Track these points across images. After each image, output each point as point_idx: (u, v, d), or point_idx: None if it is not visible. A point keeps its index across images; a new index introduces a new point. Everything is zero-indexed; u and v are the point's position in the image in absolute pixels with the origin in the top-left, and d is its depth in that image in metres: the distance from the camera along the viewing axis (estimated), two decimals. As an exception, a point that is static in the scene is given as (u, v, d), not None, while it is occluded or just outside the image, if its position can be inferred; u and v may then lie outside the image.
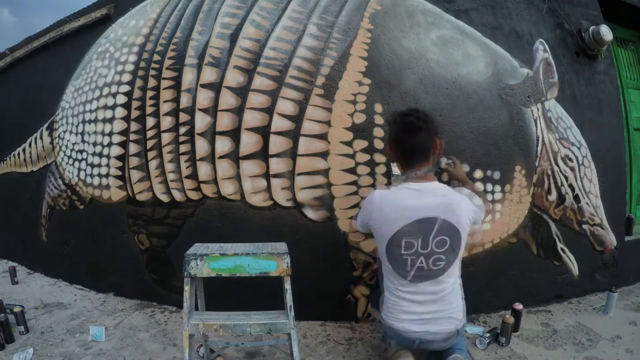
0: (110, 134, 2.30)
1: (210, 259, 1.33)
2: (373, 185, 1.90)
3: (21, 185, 3.08)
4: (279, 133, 1.93)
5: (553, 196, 2.15)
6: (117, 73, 2.30)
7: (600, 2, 2.42)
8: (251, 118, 1.95)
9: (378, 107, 1.90)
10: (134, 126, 2.22)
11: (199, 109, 2.03)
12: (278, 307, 1.43)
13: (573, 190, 2.19)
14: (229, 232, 2.02)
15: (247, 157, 1.96)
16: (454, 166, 1.82)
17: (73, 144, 2.53)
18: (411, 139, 1.33)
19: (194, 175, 2.06)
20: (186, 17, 2.16)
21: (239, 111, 1.97)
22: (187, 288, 1.33)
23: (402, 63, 1.94)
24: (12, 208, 3.21)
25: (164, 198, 2.17)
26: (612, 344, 1.80)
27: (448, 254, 1.33)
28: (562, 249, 2.21)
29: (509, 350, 1.75)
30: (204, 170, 2.03)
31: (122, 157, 2.27)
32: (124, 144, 2.26)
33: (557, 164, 2.15)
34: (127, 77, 2.26)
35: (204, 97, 2.02)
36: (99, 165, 2.37)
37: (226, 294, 1.72)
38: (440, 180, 1.67)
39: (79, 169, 2.49)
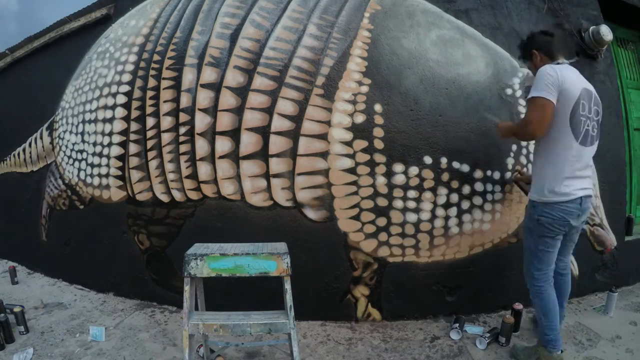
0: (110, 134, 2.30)
1: (210, 259, 1.33)
2: (373, 185, 1.90)
3: (21, 185, 3.08)
4: (279, 133, 1.93)
5: (553, 196, 2.15)
6: (117, 73, 2.30)
7: (600, 2, 2.42)
8: (251, 118, 1.95)
9: (378, 107, 1.90)
10: (134, 126, 2.22)
11: (199, 109, 2.03)
12: (278, 307, 1.43)
13: (573, 190, 2.18)
14: (229, 232, 2.02)
15: (247, 157, 1.96)
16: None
17: (73, 144, 2.53)
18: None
19: (194, 175, 2.06)
20: (186, 17, 2.16)
21: (239, 111, 1.97)
22: (187, 288, 1.33)
23: (402, 63, 1.94)
24: (12, 208, 3.21)
25: (164, 198, 2.17)
26: (612, 344, 1.80)
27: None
28: (562, 249, 2.21)
29: (509, 350, 1.75)
30: (204, 170, 2.03)
31: (122, 157, 2.27)
32: (124, 144, 2.26)
33: (557, 164, 2.14)
34: (127, 77, 2.26)
35: (204, 97, 2.02)
36: (99, 165, 2.37)
37: (226, 294, 1.72)
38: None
39: (79, 169, 2.49)
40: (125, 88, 2.25)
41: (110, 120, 2.30)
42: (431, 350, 1.78)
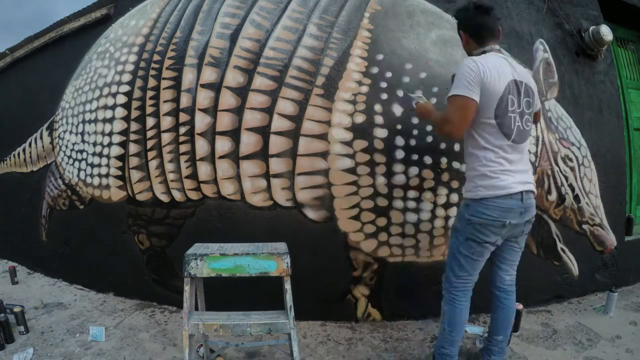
0: (110, 134, 2.30)
1: (210, 259, 1.33)
2: (373, 186, 1.90)
3: (21, 185, 3.08)
4: (279, 133, 1.93)
5: (553, 196, 2.15)
6: (117, 73, 2.30)
7: (600, 2, 2.43)
8: (251, 118, 1.95)
9: (378, 107, 1.90)
10: (134, 126, 2.22)
11: (199, 109, 2.03)
12: (278, 307, 1.43)
13: (573, 190, 2.19)
14: (229, 232, 2.02)
15: (247, 157, 1.96)
16: None
17: (73, 144, 2.53)
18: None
19: (194, 175, 2.06)
20: (186, 17, 2.16)
21: (239, 111, 1.97)
22: (187, 288, 1.33)
23: (402, 63, 1.94)
24: (12, 208, 3.21)
25: (164, 198, 2.17)
26: (612, 344, 1.80)
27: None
28: (562, 249, 2.21)
29: (509, 350, 1.75)
30: (204, 170, 2.03)
31: (122, 157, 2.27)
32: (124, 144, 2.26)
33: (557, 164, 2.15)
34: (127, 77, 2.26)
35: (204, 97, 2.02)
36: (99, 165, 2.37)
37: (226, 294, 1.72)
38: None
39: (79, 169, 2.49)
40: (125, 88, 2.25)
41: (110, 120, 2.30)
42: (431, 350, 1.78)
